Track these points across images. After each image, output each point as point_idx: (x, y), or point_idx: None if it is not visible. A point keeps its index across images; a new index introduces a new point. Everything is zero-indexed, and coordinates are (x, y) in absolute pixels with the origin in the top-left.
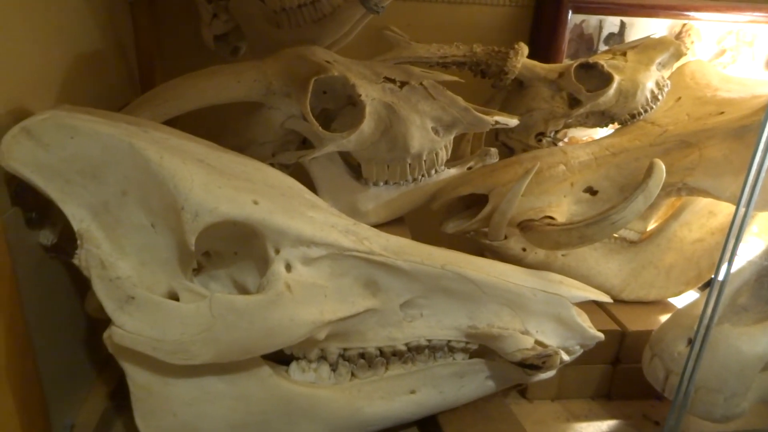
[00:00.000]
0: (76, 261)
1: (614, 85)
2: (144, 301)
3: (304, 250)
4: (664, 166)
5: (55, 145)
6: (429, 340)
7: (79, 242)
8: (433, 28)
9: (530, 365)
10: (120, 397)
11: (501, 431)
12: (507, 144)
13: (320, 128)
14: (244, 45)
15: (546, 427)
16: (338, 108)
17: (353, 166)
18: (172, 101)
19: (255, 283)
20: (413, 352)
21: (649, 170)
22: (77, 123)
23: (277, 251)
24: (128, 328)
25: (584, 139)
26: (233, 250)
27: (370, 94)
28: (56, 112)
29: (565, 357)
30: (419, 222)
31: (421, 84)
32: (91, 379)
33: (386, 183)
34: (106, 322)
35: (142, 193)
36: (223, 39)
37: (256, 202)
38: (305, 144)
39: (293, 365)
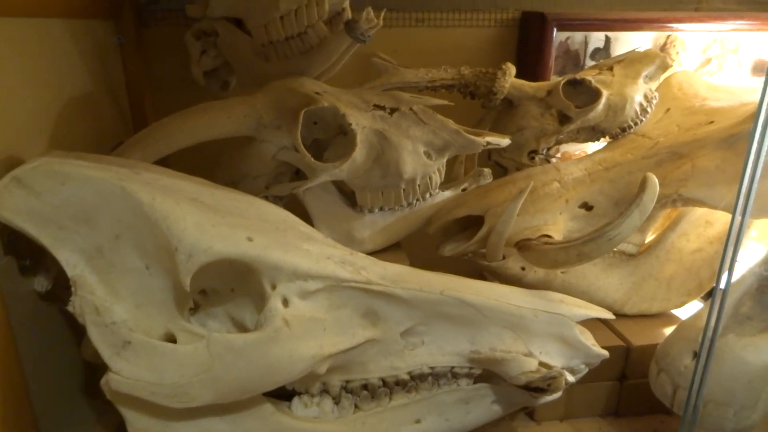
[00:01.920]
0: (70, 308)
1: (603, 100)
2: (140, 345)
3: (301, 284)
4: (657, 180)
5: (47, 192)
6: (432, 368)
7: (72, 289)
8: (419, 52)
9: (535, 388)
10: None
11: None
12: (500, 163)
13: (312, 159)
14: (233, 79)
15: None
16: (329, 138)
17: (347, 194)
18: (163, 140)
19: (253, 320)
20: (416, 380)
21: (643, 184)
22: (68, 169)
23: (274, 287)
24: (125, 373)
25: (577, 153)
26: (230, 287)
27: (361, 122)
28: (46, 159)
29: (570, 378)
30: (416, 246)
31: (410, 109)
32: (91, 424)
33: (381, 209)
34: (104, 367)
35: (135, 235)
36: (212, 74)
37: (250, 239)
38: (298, 175)
39: (295, 400)
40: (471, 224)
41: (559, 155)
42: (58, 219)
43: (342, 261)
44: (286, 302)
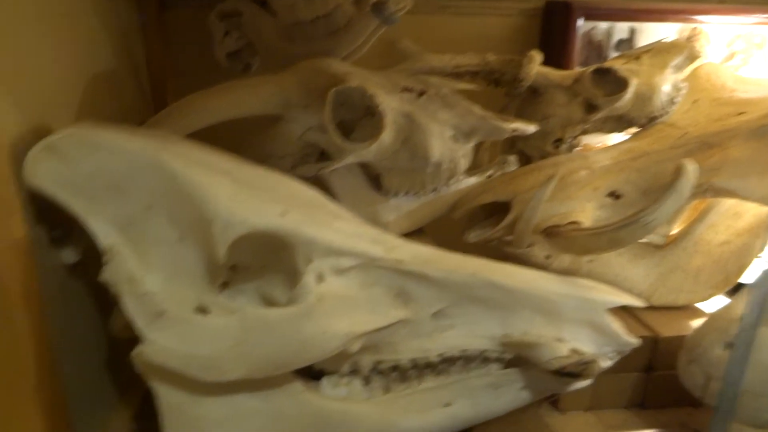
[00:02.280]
0: (103, 278)
1: (631, 89)
2: (174, 316)
3: (335, 261)
4: (694, 166)
5: (79, 161)
6: (462, 351)
7: (106, 258)
8: (441, 40)
9: (568, 373)
10: (143, 419)
11: None
12: (524, 151)
13: (341, 139)
14: (255, 62)
15: None
16: (356, 119)
17: (372, 178)
18: (189, 117)
19: (284, 296)
20: (446, 363)
21: (679, 170)
22: (100, 138)
23: (308, 262)
24: (159, 344)
25: (598, 146)
26: (261, 263)
27: (389, 104)
28: (79, 128)
29: (605, 363)
30: (439, 233)
31: (438, 93)
32: (114, 402)
33: (406, 193)
34: (129, 342)
35: (168, 206)
36: (235, 56)
37: (284, 213)
38: (323, 157)
39: (324, 380)
40: (496, 211)
41: (579, 148)
42: (89, 188)
43: (374, 240)
44: (320, 278)
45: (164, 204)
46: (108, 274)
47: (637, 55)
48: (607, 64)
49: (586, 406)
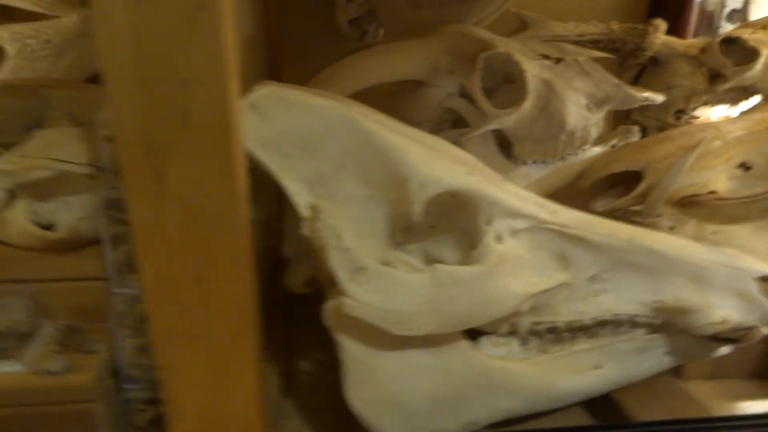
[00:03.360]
0: (305, 232)
1: (762, 59)
2: (373, 271)
3: (510, 222)
4: None
5: (276, 118)
6: (614, 315)
7: (310, 213)
8: (544, 12)
9: (724, 339)
10: (287, 375)
11: (677, 407)
12: (640, 123)
13: (489, 105)
14: (371, 29)
15: (711, 406)
16: (492, 87)
17: (501, 145)
18: (347, 80)
19: (453, 257)
20: (598, 326)
21: None
22: (294, 96)
23: (489, 222)
24: (359, 298)
25: (703, 119)
26: (430, 224)
27: (531, 70)
28: (274, 86)
29: (766, 330)
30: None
31: (575, 60)
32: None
33: (535, 161)
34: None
35: (360, 165)
36: (355, 23)
37: (469, 173)
38: (457, 124)
39: (484, 339)
40: (618, 181)
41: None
42: (283, 146)
43: (538, 203)
44: (499, 239)
45: (356, 162)
46: (313, 229)
47: (764, 25)
48: (734, 34)
49: (708, 376)
